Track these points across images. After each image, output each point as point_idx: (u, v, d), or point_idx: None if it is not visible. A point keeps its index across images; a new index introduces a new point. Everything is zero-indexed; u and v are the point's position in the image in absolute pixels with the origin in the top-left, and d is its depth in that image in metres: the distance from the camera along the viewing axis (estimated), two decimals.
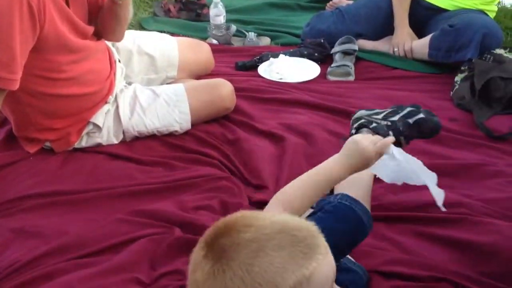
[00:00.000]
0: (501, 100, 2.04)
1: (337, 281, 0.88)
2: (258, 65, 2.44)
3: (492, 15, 2.50)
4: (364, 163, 1.13)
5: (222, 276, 0.77)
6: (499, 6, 2.79)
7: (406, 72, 2.42)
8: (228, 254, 0.77)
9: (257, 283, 0.76)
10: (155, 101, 1.87)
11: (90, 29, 1.75)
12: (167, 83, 2.08)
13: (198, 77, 2.20)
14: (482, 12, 2.44)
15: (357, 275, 1.22)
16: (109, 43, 1.96)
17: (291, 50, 2.55)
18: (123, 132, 1.84)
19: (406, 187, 1.30)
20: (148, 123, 1.84)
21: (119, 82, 1.90)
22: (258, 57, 2.50)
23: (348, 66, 2.39)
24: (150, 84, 2.03)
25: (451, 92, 2.17)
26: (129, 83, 1.97)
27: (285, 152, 1.81)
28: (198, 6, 3.04)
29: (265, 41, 2.75)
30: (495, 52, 2.19)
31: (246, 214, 0.85)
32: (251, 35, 2.72)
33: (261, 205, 1.43)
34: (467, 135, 1.91)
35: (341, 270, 1.03)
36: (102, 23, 1.81)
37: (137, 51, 2.04)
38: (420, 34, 2.48)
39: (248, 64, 2.48)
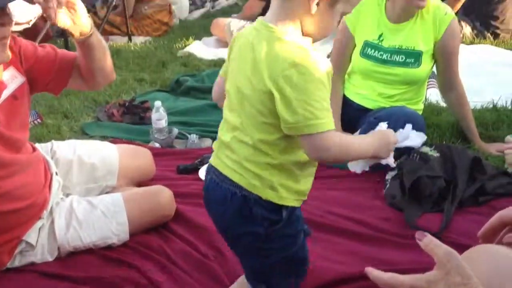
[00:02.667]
0: (430, 198, 2.14)
1: None
2: (199, 168, 2.48)
3: (419, 113, 2.66)
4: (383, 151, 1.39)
5: None
6: (426, 103, 2.98)
7: (341, 171, 2.49)
8: None
9: None
10: (92, 213, 1.86)
11: (23, 141, 1.75)
12: (106, 192, 2.08)
13: (139, 183, 2.22)
14: None
15: None
16: (46, 155, 1.97)
17: None
18: (58, 248, 1.81)
19: None
20: (84, 237, 1.82)
21: (55, 196, 1.89)
22: (199, 159, 2.55)
23: None
24: (89, 194, 2.03)
25: (384, 191, 2.26)
26: (67, 195, 1.96)
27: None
28: (141, 109, 3.12)
29: (207, 142, 2.81)
30: (421, 150, 2.31)
31: None
32: (193, 137, 2.79)
33: None
34: (399, 236, 1.97)
35: None
36: (86, 76, 1.83)
37: (77, 162, 2.05)
38: (353, 131, 2.59)
39: (190, 167, 2.52)
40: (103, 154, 2.13)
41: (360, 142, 1.36)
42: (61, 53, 1.85)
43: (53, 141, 2.14)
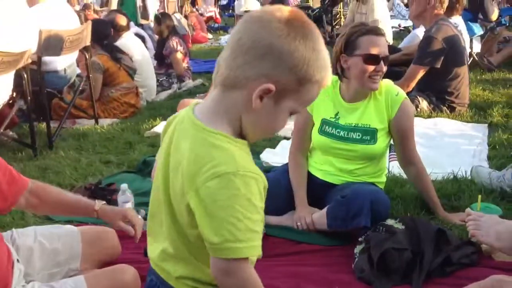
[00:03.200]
0: (398, 271, 2.15)
1: None
2: None
3: (382, 186, 2.73)
4: None
5: None
6: (388, 175, 3.06)
7: (310, 246, 2.51)
8: None
9: None
10: None
11: None
12: (70, 276, 2.03)
13: (103, 265, 2.18)
14: (371, 184, 2.66)
15: None
16: (8, 242, 1.94)
17: None
18: None
19: None
20: None
21: (17, 283, 1.83)
22: None
23: None
24: (52, 278, 1.97)
25: (353, 265, 2.27)
26: (29, 282, 1.90)
27: None
28: (107, 192, 3.09)
29: None
30: (386, 223, 2.34)
31: None
32: None
33: None
34: None
35: None
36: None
37: (39, 248, 2.01)
38: (318, 206, 2.64)
39: None
40: (65, 239, 2.10)
41: None
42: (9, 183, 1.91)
43: (13, 229, 2.11)
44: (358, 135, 2.58)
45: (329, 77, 1.11)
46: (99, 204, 2.14)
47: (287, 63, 1.04)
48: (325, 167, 2.70)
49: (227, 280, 1.07)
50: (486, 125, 4.28)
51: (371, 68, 2.46)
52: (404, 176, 3.03)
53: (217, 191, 1.02)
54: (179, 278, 1.19)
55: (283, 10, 1.05)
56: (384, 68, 2.48)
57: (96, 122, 4.81)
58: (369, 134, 2.57)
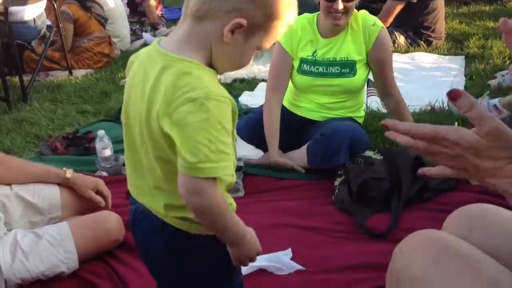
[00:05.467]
0: (377, 200, 2.19)
1: None
2: None
3: (360, 120, 2.74)
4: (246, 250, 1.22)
5: None
6: (367, 110, 3.07)
7: (291, 181, 2.53)
8: None
9: None
10: (37, 243, 1.81)
11: None
12: (52, 224, 2.03)
13: (85, 212, 2.17)
14: (350, 119, 2.66)
15: None
16: None
17: None
18: (5, 282, 1.75)
19: None
20: (31, 268, 1.76)
21: None
22: None
23: (237, 182, 2.47)
24: (34, 226, 1.97)
25: (333, 197, 2.30)
26: (10, 230, 1.90)
27: None
28: (85, 140, 3.07)
29: None
30: (365, 155, 2.36)
31: None
32: None
33: None
34: (349, 232, 2.03)
35: None
36: None
37: (15, 197, 1.98)
38: (298, 144, 2.64)
39: None
40: (41, 187, 2.08)
41: (234, 219, 1.16)
42: None
43: None
44: (337, 69, 2.56)
45: (294, 15, 1.15)
46: (69, 171, 2.10)
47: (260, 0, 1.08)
48: (305, 103, 2.70)
49: (195, 199, 1.08)
50: (463, 56, 4.29)
51: (328, 5, 2.43)
52: (383, 110, 3.04)
53: (190, 115, 1.04)
54: (164, 208, 1.19)
55: None
56: (341, 6, 2.40)
57: (70, 73, 4.71)
58: (348, 67, 2.55)
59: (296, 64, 2.64)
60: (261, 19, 1.09)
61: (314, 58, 2.59)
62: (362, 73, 2.58)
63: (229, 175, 1.12)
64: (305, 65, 2.61)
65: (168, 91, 1.07)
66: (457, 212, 1.08)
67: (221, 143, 1.06)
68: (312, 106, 2.68)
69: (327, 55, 2.58)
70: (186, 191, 1.08)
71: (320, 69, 2.59)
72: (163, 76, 1.09)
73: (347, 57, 2.55)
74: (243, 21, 1.07)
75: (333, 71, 2.58)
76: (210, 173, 1.05)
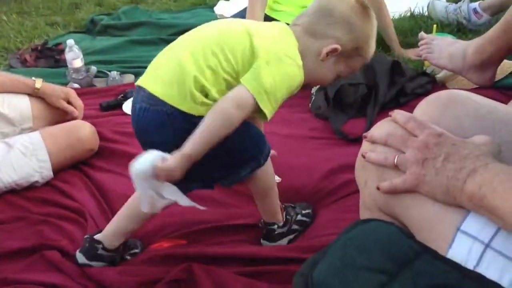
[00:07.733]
0: (353, 105, 2.17)
1: None
2: (123, 103, 2.42)
3: None
4: None
5: None
6: None
7: None
8: None
9: None
10: (9, 153, 1.78)
11: None
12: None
13: (58, 122, 2.13)
14: None
15: None
16: None
17: None
18: None
19: None
20: (4, 178, 1.75)
21: None
22: (122, 95, 2.48)
23: None
24: (5, 138, 1.93)
25: (310, 104, 2.28)
26: None
27: None
28: (56, 51, 2.97)
29: (129, 78, 2.73)
30: None
31: None
32: (114, 74, 2.69)
33: None
34: (325, 138, 2.04)
35: None
36: None
37: None
38: None
39: (112, 103, 2.45)
40: (10, 97, 2.01)
41: (213, 145, 1.21)
42: None
43: None
44: None
45: (371, 55, 1.38)
46: (39, 81, 2.03)
47: (355, 34, 1.30)
48: (285, 7, 2.62)
49: (233, 107, 1.19)
50: None
51: None
52: None
53: (282, 62, 1.24)
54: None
55: None
56: None
57: None
58: None
59: None
60: (351, 50, 1.32)
61: None
62: None
63: (264, 120, 1.26)
64: None
65: (269, 44, 1.26)
66: (426, 99, 1.07)
67: (279, 92, 1.23)
68: (292, 10, 2.59)
69: None
70: (233, 96, 1.19)
71: None
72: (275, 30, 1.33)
73: None
74: (339, 48, 1.30)
75: None
76: (264, 106, 1.21)
